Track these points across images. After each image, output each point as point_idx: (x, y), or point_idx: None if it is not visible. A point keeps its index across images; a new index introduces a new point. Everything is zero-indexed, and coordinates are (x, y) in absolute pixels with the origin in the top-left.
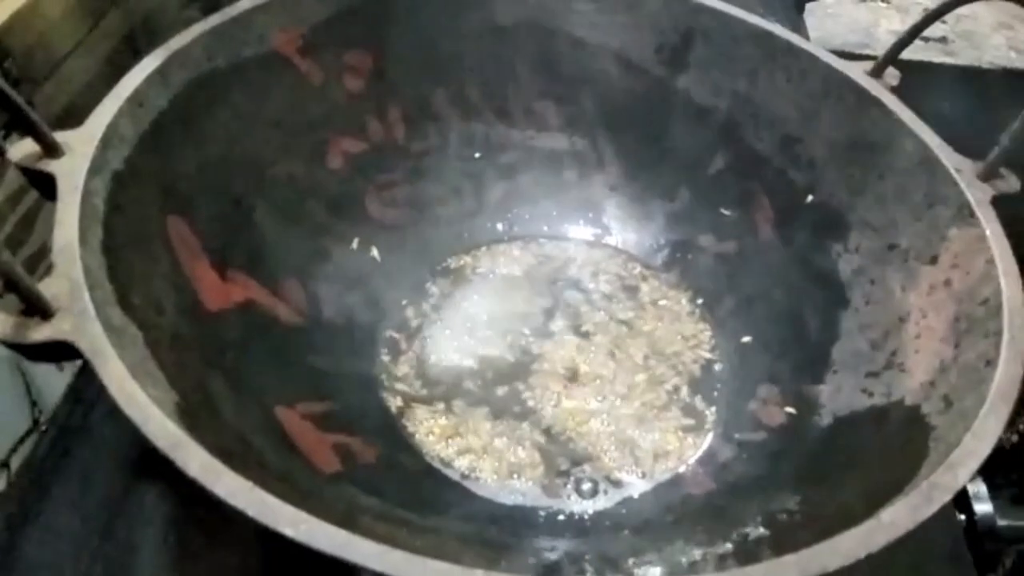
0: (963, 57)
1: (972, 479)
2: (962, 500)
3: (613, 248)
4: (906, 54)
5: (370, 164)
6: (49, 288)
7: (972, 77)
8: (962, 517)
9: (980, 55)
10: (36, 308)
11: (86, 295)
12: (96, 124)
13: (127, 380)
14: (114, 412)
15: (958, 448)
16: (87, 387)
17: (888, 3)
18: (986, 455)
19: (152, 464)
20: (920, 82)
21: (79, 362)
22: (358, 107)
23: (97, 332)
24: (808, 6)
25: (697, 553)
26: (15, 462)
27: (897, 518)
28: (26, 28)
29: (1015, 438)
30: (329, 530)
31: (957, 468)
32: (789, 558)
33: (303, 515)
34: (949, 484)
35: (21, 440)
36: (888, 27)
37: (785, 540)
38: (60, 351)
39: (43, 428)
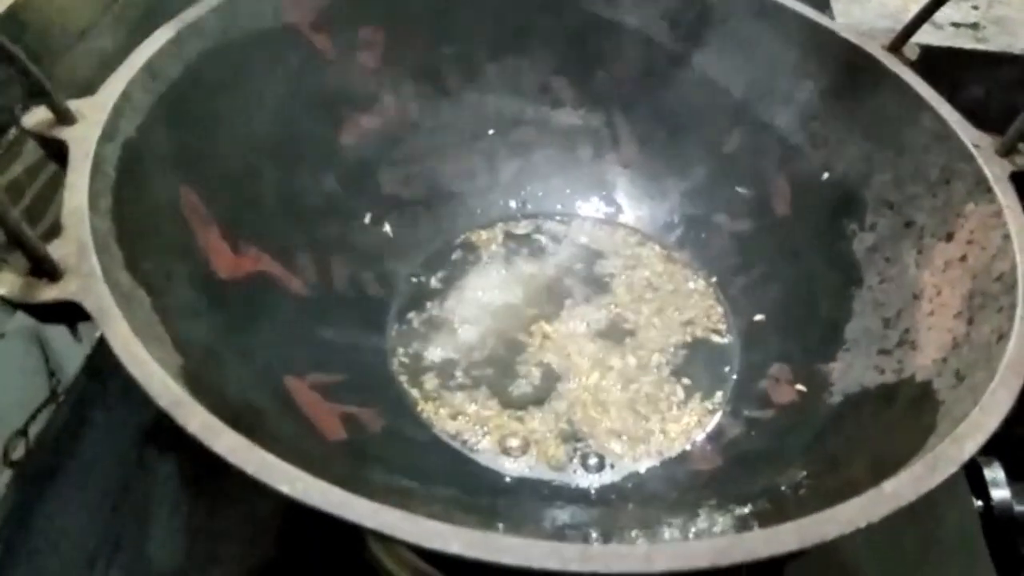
0: (995, 43)
1: (990, 464)
2: (979, 486)
3: (626, 226)
4: (937, 40)
5: (383, 139)
6: (58, 250)
7: (1005, 63)
8: (979, 503)
9: (1013, 41)
10: (44, 269)
11: (93, 257)
12: (109, 92)
13: (131, 339)
14: (130, 381)
15: (965, 421)
16: (105, 358)
17: None
18: (994, 428)
19: (166, 434)
20: (951, 68)
21: (98, 334)
22: (372, 83)
23: (103, 292)
24: None
25: (702, 525)
26: (33, 431)
27: (899, 489)
28: (44, 2)
29: None
30: (324, 488)
31: (963, 440)
32: (788, 526)
33: (299, 472)
34: (954, 456)
35: (39, 409)
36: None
37: (789, 514)
38: (67, 311)
39: (61, 398)
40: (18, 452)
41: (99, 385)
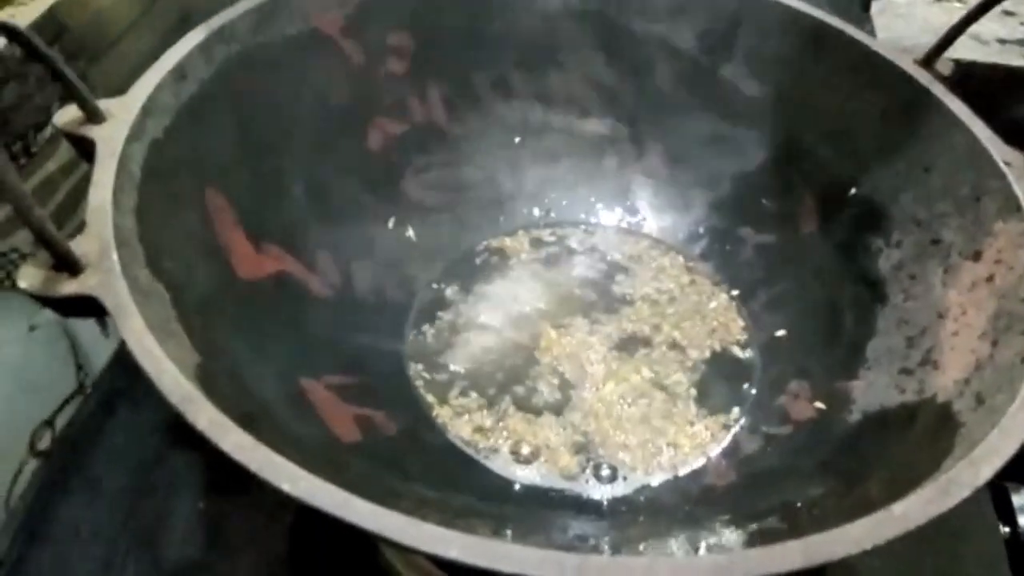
0: None
1: (1019, 491)
2: (1007, 511)
3: (650, 236)
4: (982, 56)
5: (410, 145)
6: (80, 246)
7: None
8: (1006, 529)
9: None
10: (66, 264)
11: (114, 253)
12: (138, 93)
13: (146, 335)
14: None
15: (982, 444)
16: (130, 355)
17: (963, 2)
18: (1012, 452)
19: (187, 431)
20: (996, 86)
21: None
22: (400, 88)
23: (121, 288)
24: (876, 5)
25: (712, 540)
26: (60, 422)
27: (909, 511)
28: (83, 5)
29: None
30: (327, 488)
31: (980, 464)
32: (794, 544)
33: (302, 472)
34: (969, 480)
35: (66, 401)
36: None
37: (802, 533)
38: (86, 306)
39: (88, 391)
40: (44, 442)
41: (126, 379)
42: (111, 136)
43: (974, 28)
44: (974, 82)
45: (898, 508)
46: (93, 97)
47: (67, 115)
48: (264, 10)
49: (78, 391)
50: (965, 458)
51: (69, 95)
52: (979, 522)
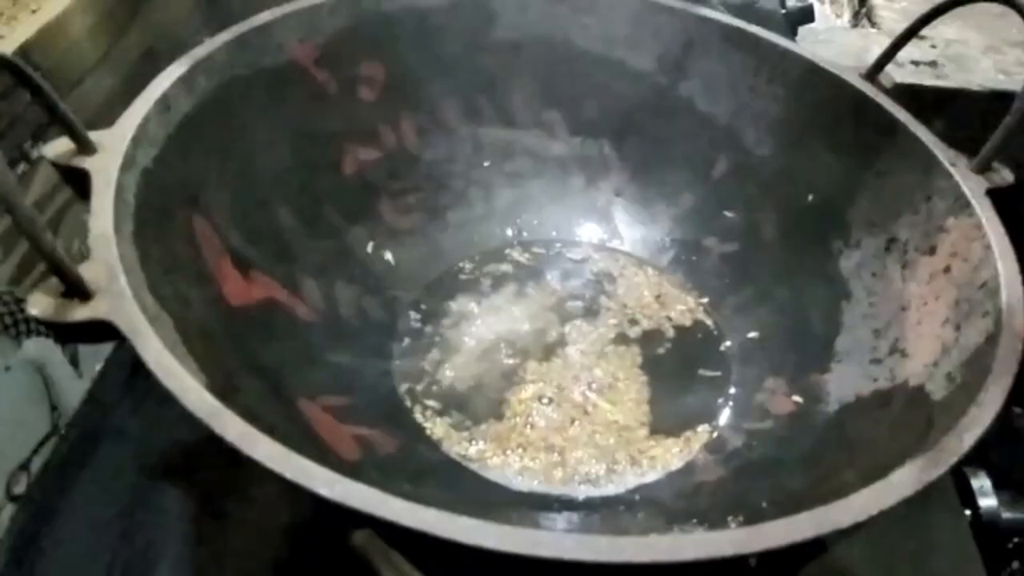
0: (953, 80)
1: (976, 474)
2: (967, 495)
3: (619, 250)
4: (899, 77)
5: (384, 171)
6: (87, 272)
7: (961, 98)
8: (967, 512)
9: (970, 77)
10: (76, 290)
11: (122, 277)
12: (127, 124)
13: (164, 354)
14: (134, 414)
15: (964, 416)
16: (106, 392)
17: (879, 29)
18: (989, 423)
19: (171, 466)
20: (913, 104)
21: (98, 367)
22: (372, 116)
23: (135, 312)
24: (800, 31)
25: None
26: (35, 465)
27: (906, 479)
28: (52, 43)
29: None
30: (363, 489)
31: (962, 434)
32: (804, 515)
33: (337, 476)
34: (955, 448)
35: (42, 443)
36: (880, 52)
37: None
38: (98, 331)
39: (62, 432)
40: (20, 486)
41: (100, 419)
42: (104, 167)
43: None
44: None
45: (895, 477)
46: (84, 129)
47: (58, 147)
48: (241, 41)
49: (53, 432)
50: (951, 430)
51: (62, 127)
52: (944, 506)
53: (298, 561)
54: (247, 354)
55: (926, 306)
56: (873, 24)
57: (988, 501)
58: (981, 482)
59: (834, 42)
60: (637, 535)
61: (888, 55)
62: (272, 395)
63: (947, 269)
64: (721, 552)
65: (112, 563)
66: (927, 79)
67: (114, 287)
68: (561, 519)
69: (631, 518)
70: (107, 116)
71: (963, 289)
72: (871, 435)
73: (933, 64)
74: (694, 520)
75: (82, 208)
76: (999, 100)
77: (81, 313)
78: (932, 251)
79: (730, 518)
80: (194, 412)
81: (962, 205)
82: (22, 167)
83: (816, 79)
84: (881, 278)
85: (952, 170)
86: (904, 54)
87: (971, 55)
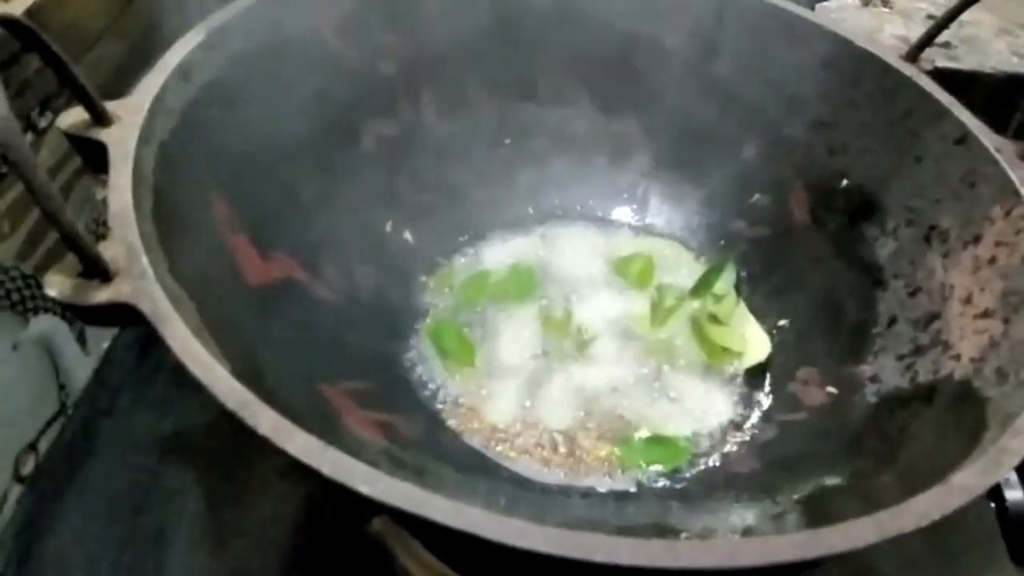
0: (967, 62)
1: None
2: (992, 487)
3: (644, 233)
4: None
5: (402, 147)
6: (107, 251)
7: (976, 80)
8: (992, 505)
9: (983, 59)
10: (96, 271)
11: (144, 258)
12: (144, 94)
13: (190, 340)
14: (142, 393)
15: (1022, 415)
16: (112, 373)
17: (891, 9)
18: None
19: (177, 446)
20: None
21: (105, 346)
22: (391, 90)
23: (158, 294)
24: (816, 7)
25: (749, 518)
26: (43, 445)
27: (967, 482)
28: (60, 8)
29: None
30: (406, 488)
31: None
32: (866, 520)
33: (378, 473)
34: (1017, 448)
35: (49, 423)
36: (892, 31)
37: (830, 513)
38: (119, 314)
39: (70, 412)
40: (28, 467)
41: (107, 399)
42: (122, 139)
43: (900, 31)
44: None
45: (956, 479)
46: (99, 99)
47: (73, 117)
48: (260, 9)
49: (60, 412)
50: (1009, 429)
51: (75, 95)
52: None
53: (307, 540)
54: (269, 336)
55: (969, 297)
56: (885, 3)
57: (1014, 493)
58: (1007, 474)
59: (845, 21)
60: (687, 536)
61: (931, 36)
62: (295, 379)
63: (992, 260)
64: (780, 558)
65: (120, 544)
66: (940, 61)
67: (135, 268)
68: (592, 510)
69: (664, 509)
70: (116, 86)
71: (1011, 280)
72: (914, 431)
73: (947, 45)
74: (726, 513)
75: (90, 181)
76: (1012, 83)
77: (102, 295)
78: (976, 240)
79: (761, 512)
80: (223, 402)
81: (1010, 192)
82: (29, 137)
83: (855, 59)
84: (920, 267)
85: (998, 156)
86: (915, 35)
87: (984, 37)
